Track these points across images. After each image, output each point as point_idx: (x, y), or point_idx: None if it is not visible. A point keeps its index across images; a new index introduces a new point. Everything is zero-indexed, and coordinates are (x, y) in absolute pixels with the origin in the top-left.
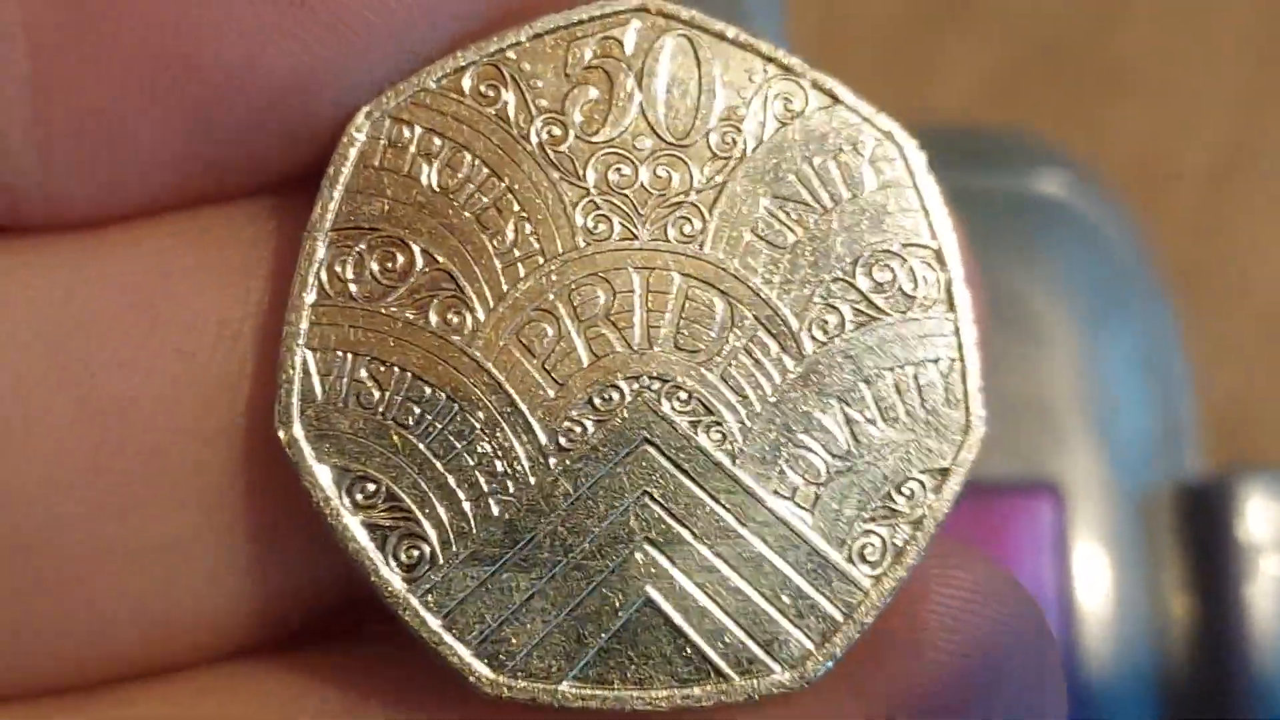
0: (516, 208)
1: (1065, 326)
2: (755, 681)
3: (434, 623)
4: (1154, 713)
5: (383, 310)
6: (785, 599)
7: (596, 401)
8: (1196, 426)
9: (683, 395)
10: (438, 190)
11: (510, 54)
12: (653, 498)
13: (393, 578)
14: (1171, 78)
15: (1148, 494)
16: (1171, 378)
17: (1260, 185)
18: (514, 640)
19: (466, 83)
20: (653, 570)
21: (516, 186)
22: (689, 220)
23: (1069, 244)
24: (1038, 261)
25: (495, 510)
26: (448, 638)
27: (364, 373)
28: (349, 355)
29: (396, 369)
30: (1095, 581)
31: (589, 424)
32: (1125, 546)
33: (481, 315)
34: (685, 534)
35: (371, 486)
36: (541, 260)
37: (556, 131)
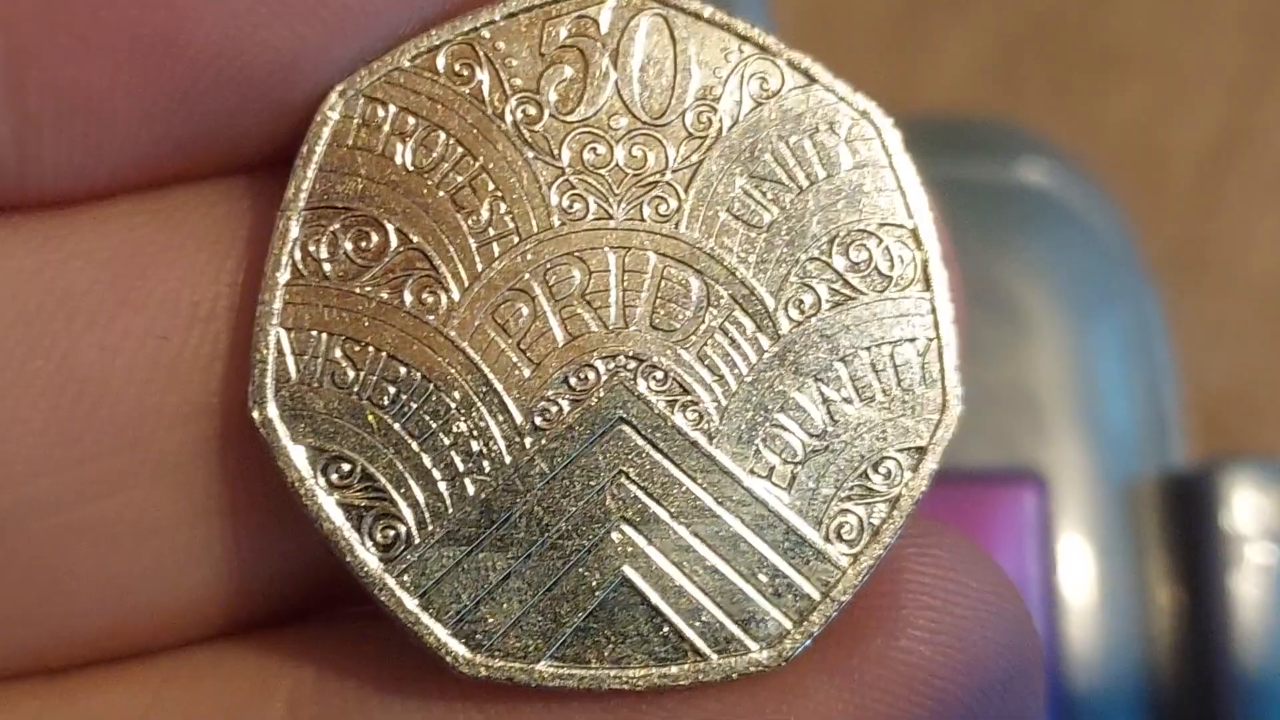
0: (491, 187)
1: (1050, 316)
2: (733, 660)
3: (410, 603)
4: (1138, 702)
5: (357, 290)
6: (762, 578)
7: (572, 381)
8: (1182, 416)
9: (659, 375)
10: (412, 169)
11: (485, 33)
12: (629, 477)
13: (369, 558)
14: (1165, 59)
15: (1133, 483)
16: (1157, 367)
17: (1254, 167)
18: (491, 620)
19: (441, 61)
20: (629, 549)
21: (491, 166)
22: (664, 200)
23: (1054, 233)
24: (1023, 251)
25: (471, 490)
26: (424, 617)
27: (339, 352)
28: (323, 335)
29: (371, 349)
30: (1080, 570)
31: (565, 404)
32: (1110, 536)
33: (456, 295)
34: (662, 513)
35: (347, 466)
36: (516, 240)
37: (531, 111)
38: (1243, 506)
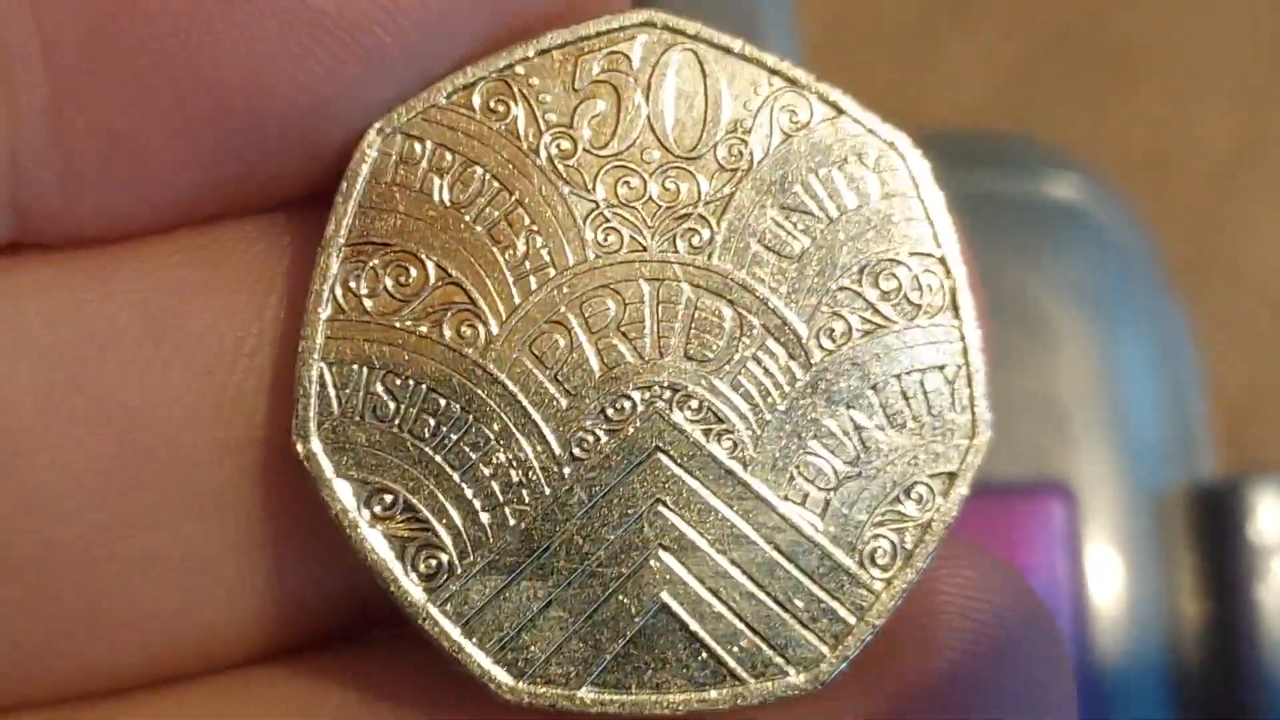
0: (527, 221)
1: (1077, 329)
2: (770, 684)
3: (454, 631)
4: (1166, 712)
5: (397, 324)
6: (798, 603)
7: (609, 411)
8: (1208, 428)
9: (694, 404)
10: (449, 205)
11: (519, 69)
12: (666, 505)
13: (412, 588)
14: (1181, 67)
15: (1160, 495)
16: (1183, 379)
17: (1269, 173)
18: (533, 647)
19: (476, 98)
20: (667, 576)
21: (527, 200)
22: (697, 231)
23: (1081, 247)
24: (1050, 265)
25: (511, 520)
26: (468, 646)
27: (379, 386)
28: (364, 369)
29: (412, 382)
30: (1108, 581)
31: (602, 433)
32: (1138, 547)
33: (494, 328)
34: (698, 540)
35: (389, 498)
36: (553, 273)
37: (565, 145)
38: (1269, 518)
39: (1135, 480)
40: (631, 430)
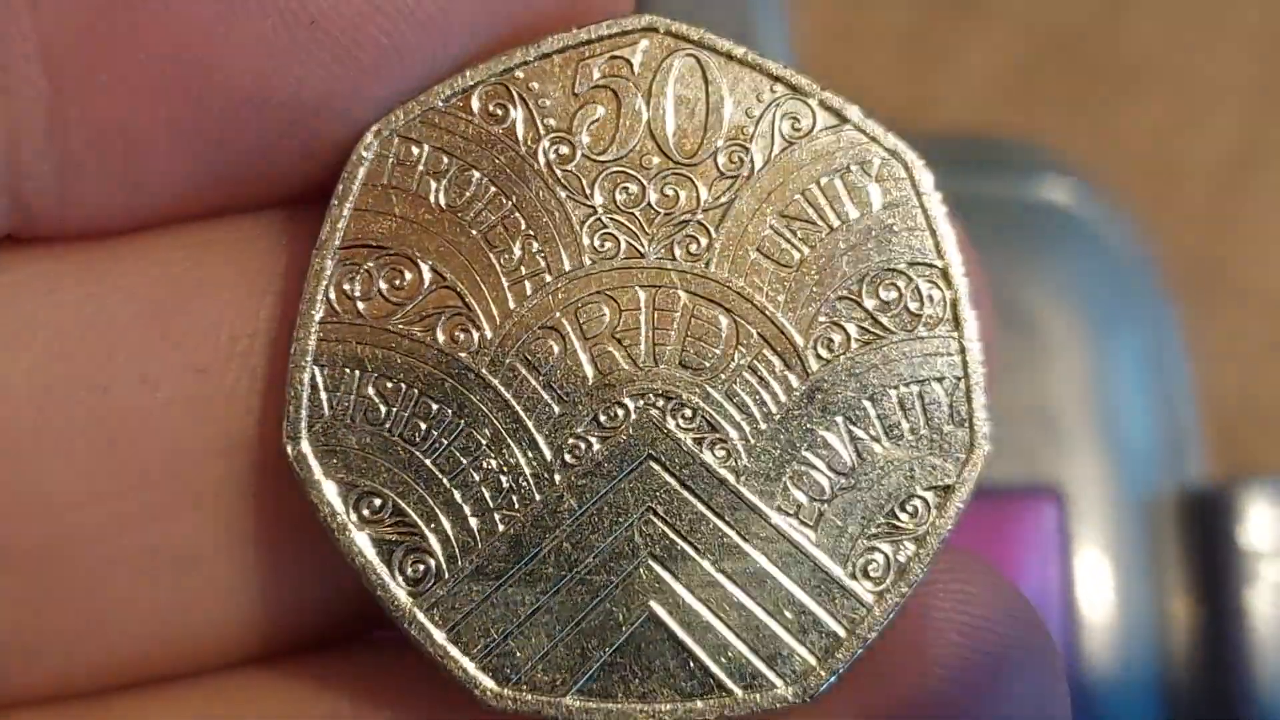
0: (524, 226)
1: (1070, 333)
2: (758, 696)
3: (439, 636)
4: (1156, 715)
5: (390, 327)
6: (788, 614)
7: (602, 418)
8: (1200, 434)
9: (687, 412)
10: (445, 208)
11: (519, 73)
12: (657, 514)
13: (399, 592)
14: (1182, 73)
15: (1151, 500)
16: (1175, 384)
17: (1270, 182)
18: (519, 654)
19: (475, 102)
20: (656, 585)
21: (524, 205)
22: (695, 239)
23: (1075, 251)
24: (1044, 269)
25: (500, 526)
26: (453, 651)
27: (371, 389)
28: (356, 372)
29: (403, 385)
30: (1098, 585)
31: (594, 440)
32: (1128, 551)
33: (488, 332)
34: (689, 550)
35: (378, 501)
36: (548, 278)
37: (564, 150)
38: (1259, 523)
39: (1126, 484)
40: (624, 438)
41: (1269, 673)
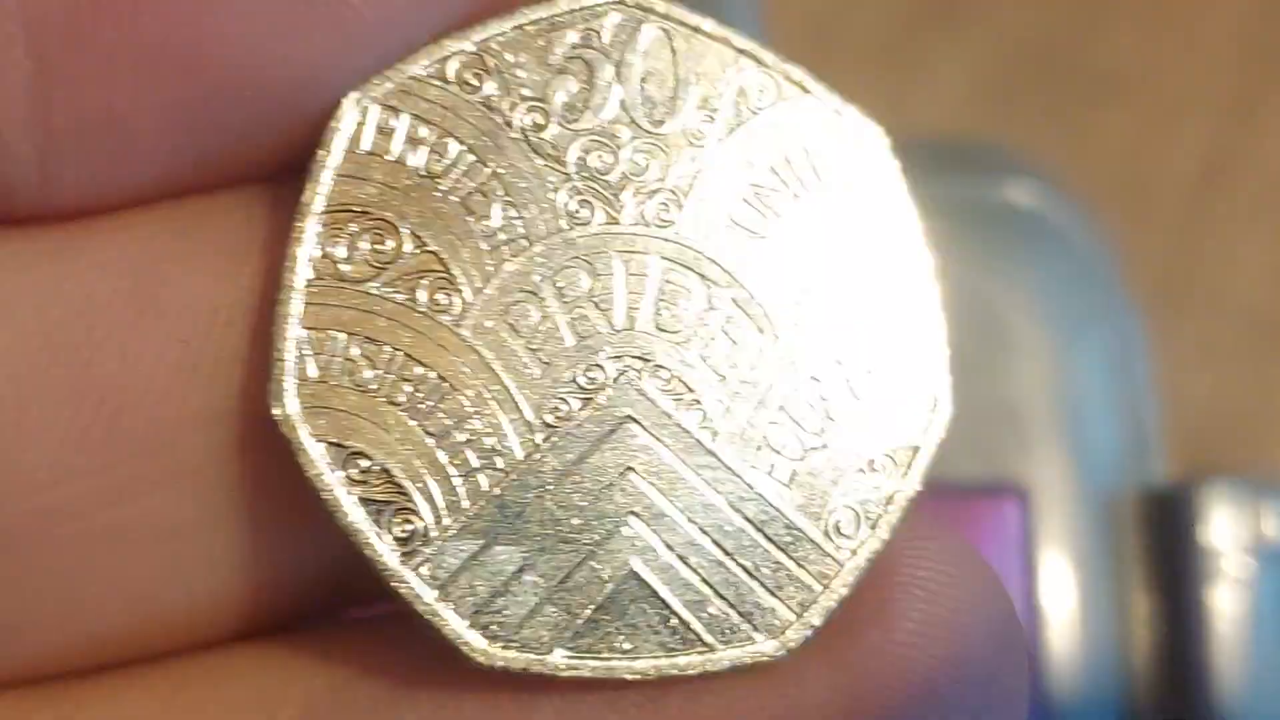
0: (501, 192)
1: (1035, 334)
2: (738, 650)
3: (428, 595)
4: (1117, 713)
5: (374, 291)
6: (765, 571)
7: (581, 380)
8: (1163, 435)
9: (664, 374)
10: (425, 175)
11: (494, 44)
12: (636, 473)
13: (387, 552)
14: (1156, 85)
15: (1113, 499)
16: (1139, 386)
17: (1240, 192)
18: (506, 611)
19: (452, 71)
20: (637, 543)
21: (501, 172)
22: (666, 206)
23: (1040, 253)
24: (1009, 270)
25: (486, 486)
26: (442, 609)
27: (356, 351)
28: (341, 334)
29: (388, 348)
30: (1060, 583)
31: (575, 402)
32: (1090, 550)
33: (469, 296)
34: (668, 508)
35: (365, 463)
36: (526, 244)
37: (539, 119)
38: (1220, 522)
39: (1089, 484)
40: (603, 399)
41: (1229, 670)
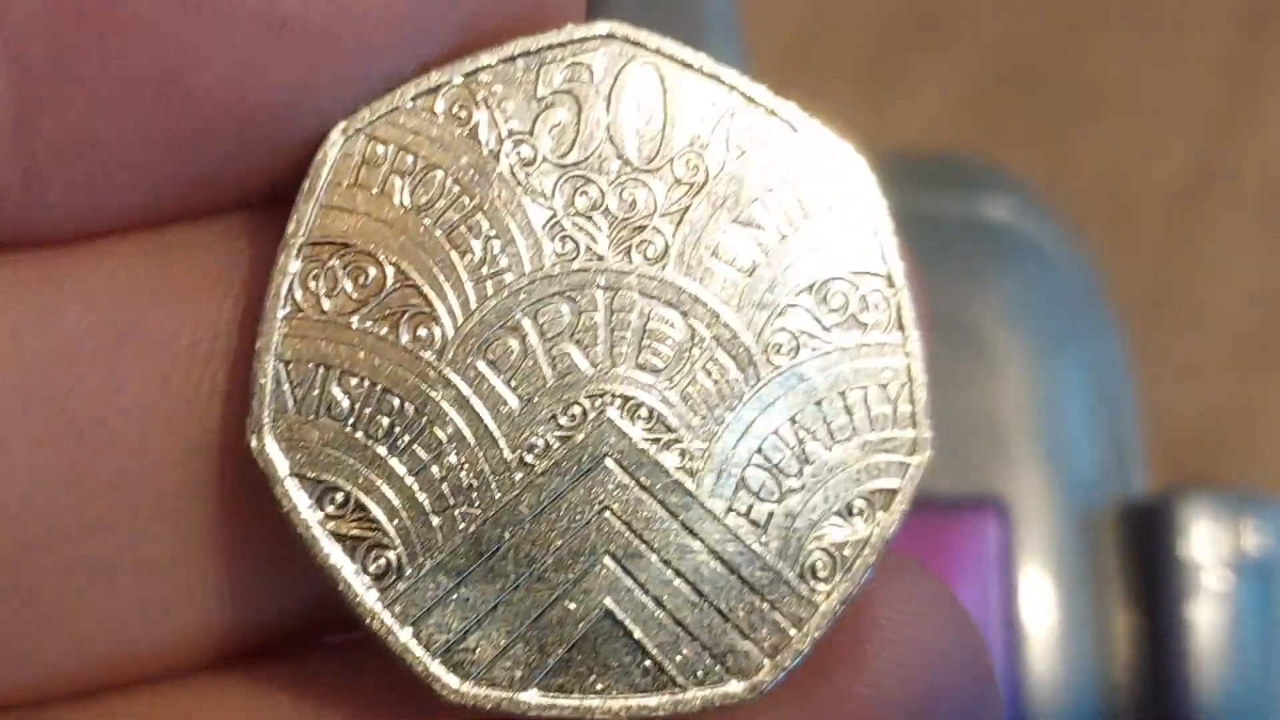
0: (486, 226)
1: (1015, 349)
2: (710, 692)
3: (401, 632)
4: None
5: (354, 324)
6: (739, 613)
7: (560, 418)
8: (1143, 449)
9: (643, 413)
10: (409, 207)
11: (483, 76)
12: (613, 512)
13: (361, 587)
14: (1137, 100)
15: (1093, 513)
16: (1119, 401)
17: (1223, 207)
18: (478, 649)
19: (439, 103)
20: (612, 583)
21: (486, 206)
22: (651, 243)
23: (1019, 268)
24: (988, 285)
25: (461, 523)
26: (414, 647)
27: (335, 386)
28: (320, 368)
29: (367, 382)
30: (1040, 597)
31: (553, 439)
32: (1070, 564)
33: (450, 331)
34: (644, 548)
35: (341, 497)
36: (509, 278)
37: (526, 153)
38: (1200, 535)
39: (1069, 498)
40: (581, 437)
41: (1208, 681)
